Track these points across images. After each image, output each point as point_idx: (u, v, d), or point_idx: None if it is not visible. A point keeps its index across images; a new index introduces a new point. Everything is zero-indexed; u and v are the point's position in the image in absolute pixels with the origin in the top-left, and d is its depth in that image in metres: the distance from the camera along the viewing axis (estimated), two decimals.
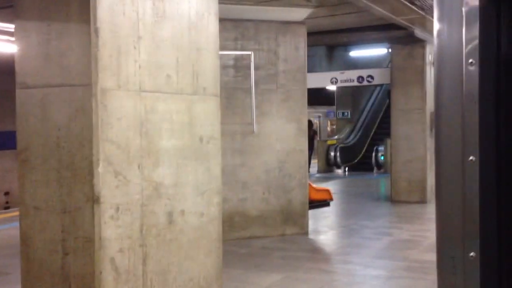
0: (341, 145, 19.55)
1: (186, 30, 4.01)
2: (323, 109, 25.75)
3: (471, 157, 1.06)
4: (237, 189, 7.85)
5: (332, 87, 17.88)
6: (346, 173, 18.93)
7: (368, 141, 20.06)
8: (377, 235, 8.46)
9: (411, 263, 6.62)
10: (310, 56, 9.03)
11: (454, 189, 1.10)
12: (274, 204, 8.06)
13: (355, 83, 13.81)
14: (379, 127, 19.91)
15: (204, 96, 4.20)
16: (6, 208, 12.31)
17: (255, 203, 7.97)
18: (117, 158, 3.39)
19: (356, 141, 20.13)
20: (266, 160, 8.02)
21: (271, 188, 8.04)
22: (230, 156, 7.72)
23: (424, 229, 8.86)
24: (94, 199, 3.25)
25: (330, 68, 18.12)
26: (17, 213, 10.42)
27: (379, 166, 18.35)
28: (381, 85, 18.96)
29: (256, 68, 7.86)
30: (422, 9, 8.72)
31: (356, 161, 19.64)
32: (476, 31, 1.03)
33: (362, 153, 19.88)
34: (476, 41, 1.03)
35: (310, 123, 21.24)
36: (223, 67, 7.25)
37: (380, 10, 8.25)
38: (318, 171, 18.93)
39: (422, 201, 11.18)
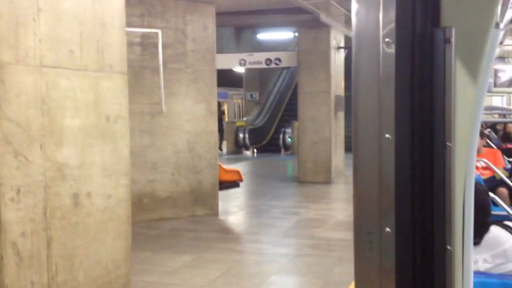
0: (250, 126, 19.77)
1: (89, 3, 3.83)
2: (231, 91, 25.82)
3: (387, 135, 1.09)
4: (145, 170, 7.70)
5: (240, 69, 17.96)
6: (255, 154, 19.20)
7: (276, 123, 20.44)
8: (285, 214, 8.68)
9: (317, 241, 6.86)
10: (218, 37, 8.97)
11: (370, 166, 1.13)
12: (183, 185, 8.00)
13: (263, 66, 13.96)
14: (287, 110, 20.35)
15: (110, 74, 4.05)
16: None
17: (164, 184, 7.86)
18: (16, 137, 3.19)
19: (264, 123, 20.44)
20: (176, 141, 7.92)
21: (181, 169, 7.97)
22: (138, 136, 7.54)
23: (329, 208, 9.21)
24: None
25: (238, 50, 18.17)
26: None
27: (287, 147, 18.80)
28: (288, 68, 19.33)
29: (164, 47, 7.68)
30: None
31: (264, 142, 19.96)
32: (392, 12, 1.05)
33: (270, 135, 20.24)
34: (393, 22, 1.04)
35: (218, 104, 21.27)
36: (129, 45, 7.01)
37: None
38: (227, 153, 19.04)
39: (328, 181, 11.60)
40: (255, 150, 19.52)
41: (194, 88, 8.12)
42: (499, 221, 3.18)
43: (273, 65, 13.96)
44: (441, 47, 1.01)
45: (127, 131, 4.27)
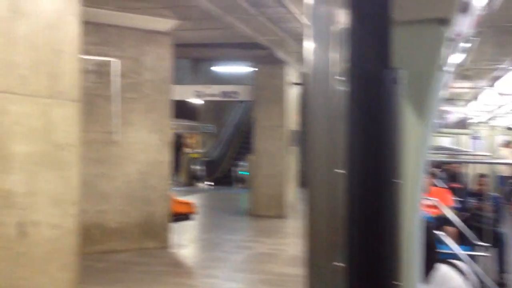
0: (204, 158, 19.67)
1: (43, 29, 3.77)
2: (187, 123, 25.76)
3: (338, 170, 1.10)
4: (95, 200, 7.51)
5: (196, 101, 17.98)
6: (208, 187, 19.07)
7: (230, 155, 20.43)
8: (238, 248, 8.61)
9: (270, 276, 6.82)
10: (175, 69, 8.99)
11: (322, 200, 1.14)
12: (134, 217, 7.83)
13: (219, 98, 14.02)
14: (242, 142, 20.41)
15: (62, 101, 3.97)
16: None
17: (114, 215, 7.68)
18: None
19: (219, 155, 20.40)
20: (128, 170, 7.79)
21: (132, 199, 7.82)
22: (90, 165, 7.37)
23: (282, 242, 9.20)
24: None
25: (195, 82, 18.22)
26: None
27: (239, 180, 18.77)
28: (244, 102, 19.49)
29: (118, 76, 7.63)
30: (285, 31, 9.13)
31: (218, 175, 19.87)
32: (344, 52, 1.08)
33: (224, 167, 20.18)
34: (345, 61, 1.08)
35: (178, 136, 21.17)
36: (85, 73, 6.92)
37: (243, 28, 8.49)
38: (181, 185, 18.84)
39: (280, 215, 11.59)
40: (208, 182, 19.40)
41: (149, 117, 8.06)
42: (447, 259, 3.25)
43: (229, 98, 14.05)
44: (389, 87, 1.04)
45: (78, 160, 4.18)
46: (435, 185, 7.59)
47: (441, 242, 3.95)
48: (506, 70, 9.26)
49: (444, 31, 1.16)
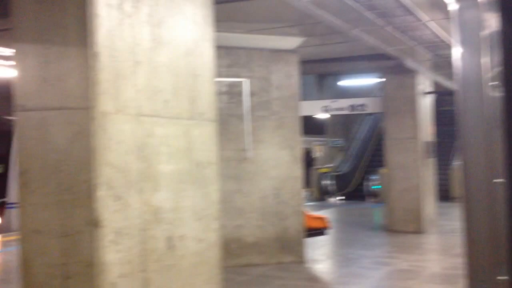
0: (334, 173, 19.54)
1: (182, 56, 4.04)
2: (315, 138, 25.86)
3: (497, 180, 1.06)
4: (232, 215, 7.79)
5: (324, 116, 17.99)
6: (340, 201, 18.88)
7: (361, 169, 20.08)
8: (376, 264, 8.38)
9: None
10: (302, 85, 9.10)
11: (481, 213, 1.09)
12: (270, 231, 7.99)
13: (347, 112, 13.90)
14: (372, 155, 19.98)
15: (201, 121, 4.20)
16: None
17: (251, 230, 7.90)
18: (117, 182, 3.36)
19: (349, 169, 20.15)
20: (261, 186, 7.99)
21: (267, 215, 7.99)
22: (226, 182, 7.68)
23: (422, 259, 8.80)
24: (94, 223, 3.20)
25: (321, 97, 18.27)
26: (13, 237, 10.24)
27: (371, 194, 18.34)
28: (372, 114, 19.12)
29: (249, 95, 7.91)
30: (414, 39, 8.85)
31: (349, 189, 19.62)
32: (497, 56, 1.04)
33: (355, 181, 19.88)
34: (499, 66, 1.03)
35: (307, 151, 21.37)
36: (217, 94, 7.28)
37: (370, 40, 8.38)
38: (312, 200, 18.87)
39: (419, 230, 11.11)
40: (339, 197, 19.21)
41: (278, 134, 8.22)
42: None
43: (357, 111, 13.88)
44: None
45: (217, 177, 4.38)
46: None
47: None
48: None
49: None
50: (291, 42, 8.25)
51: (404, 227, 11.17)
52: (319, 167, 20.32)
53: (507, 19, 0.96)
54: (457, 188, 15.29)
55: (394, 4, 6.68)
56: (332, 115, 18.24)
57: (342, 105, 13.74)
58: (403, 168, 11.35)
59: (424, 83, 11.90)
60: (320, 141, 21.29)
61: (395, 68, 10.90)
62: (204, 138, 4.23)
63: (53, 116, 3.36)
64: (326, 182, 19.10)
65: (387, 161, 11.68)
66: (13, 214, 11.04)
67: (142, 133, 3.60)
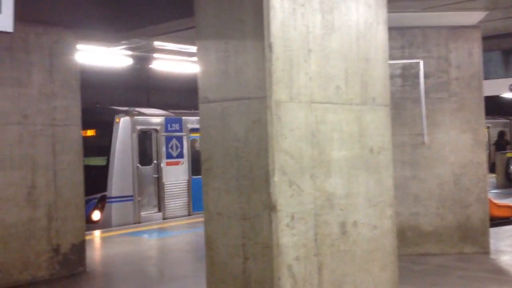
0: None
1: (354, 41, 4.00)
2: (501, 120, 23.76)
3: None
4: (408, 202, 7.54)
5: (509, 95, 16.42)
6: None
7: None
8: None
9: None
10: (484, 63, 8.38)
11: None
12: (450, 220, 7.57)
13: None
14: None
15: (373, 106, 4.13)
16: None
17: (428, 218, 7.57)
18: (291, 168, 3.48)
19: None
20: (439, 172, 7.59)
21: (446, 202, 7.57)
22: (400, 168, 7.45)
23: None
24: (271, 207, 3.36)
25: (507, 75, 16.67)
26: (197, 219, 11.13)
27: None
28: None
29: (425, 77, 7.52)
30: None
31: None
32: None
33: None
34: None
35: (502, 133, 19.80)
36: (390, 77, 7.07)
37: None
38: (497, 187, 17.42)
39: None
40: None
41: (459, 117, 7.70)
42: None
43: None
44: None
45: (391, 163, 4.28)
46: None
47: None
48: None
49: None
50: (472, 17, 7.63)
51: None
52: (506, 151, 18.61)
53: None
54: None
55: None
56: None
57: None
58: None
59: None
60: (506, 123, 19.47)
61: None
62: (377, 123, 4.15)
63: (233, 107, 3.58)
64: None
65: None
66: (114, 209, 11.20)
67: (314, 120, 3.66)
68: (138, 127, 11.81)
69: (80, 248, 7.07)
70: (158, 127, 12.21)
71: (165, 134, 12.25)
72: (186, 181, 12.46)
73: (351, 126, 3.94)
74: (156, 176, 12.02)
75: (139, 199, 11.57)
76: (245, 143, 3.51)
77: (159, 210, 12.05)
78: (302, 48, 3.62)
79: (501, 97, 17.50)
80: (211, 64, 3.72)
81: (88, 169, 8.09)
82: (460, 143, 7.66)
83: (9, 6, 3.75)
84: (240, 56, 3.55)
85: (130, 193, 11.46)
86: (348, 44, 3.94)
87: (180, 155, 12.49)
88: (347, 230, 3.80)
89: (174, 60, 12.59)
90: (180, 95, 17.15)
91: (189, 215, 12.30)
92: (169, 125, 12.37)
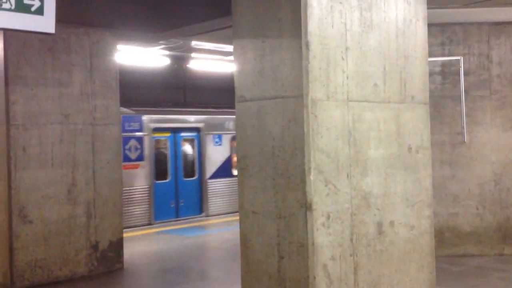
0: None
1: (393, 38, 3.94)
2: None
3: None
4: (447, 202, 7.39)
5: None
6: None
7: None
8: None
9: None
10: None
11: None
12: (489, 221, 7.39)
13: None
14: None
15: (412, 104, 4.07)
16: None
17: (467, 218, 7.41)
18: (327, 166, 3.46)
19: None
20: (479, 172, 7.41)
21: (486, 202, 7.39)
22: (438, 167, 7.31)
23: None
24: (306, 206, 3.35)
25: None
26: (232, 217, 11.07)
27: None
28: None
29: (465, 74, 7.36)
30: None
31: None
32: None
33: None
34: None
35: None
36: (430, 74, 6.94)
37: None
38: None
39: None
40: None
41: (500, 115, 7.51)
42: None
43: None
44: None
45: (429, 162, 4.20)
46: None
47: None
48: None
49: None
50: None
51: None
52: None
53: None
54: None
55: None
56: None
57: None
58: None
59: None
60: None
61: None
62: (415, 121, 4.09)
63: (269, 105, 3.58)
64: None
65: None
66: None
67: (351, 119, 3.63)
68: None
69: (117, 245, 7.21)
70: None
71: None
72: (147, 186, 11.06)
73: (389, 124, 3.89)
74: None
75: None
76: (281, 141, 3.51)
77: None
78: (340, 46, 3.59)
79: None
80: (248, 62, 3.73)
81: None
82: (501, 142, 7.46)
83: (51, 9, 3.86)
84: (277, 54, 3.55)
85: None
86: (387, 42, 3.89)
87: (140, 158, 11.02)
88: (383, 230, 3.76)
89: (210, 59, 12.68)
90: (217, 94, 17.30)
91: (149, 224, 11.03)
92: (126, 124, 10.70)
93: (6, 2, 3.74)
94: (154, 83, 16.11)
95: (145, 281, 7.03)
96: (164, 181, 11.61)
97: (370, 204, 3.70)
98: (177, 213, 11.84)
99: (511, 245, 7.40)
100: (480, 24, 7.52)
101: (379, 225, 3.74)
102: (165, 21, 7.39)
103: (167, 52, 11.75)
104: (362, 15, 3.73)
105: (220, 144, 12.61)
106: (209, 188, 12.20)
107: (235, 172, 12.34)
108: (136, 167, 10.96)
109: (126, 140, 10.62)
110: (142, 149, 11.13)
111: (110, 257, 7.13)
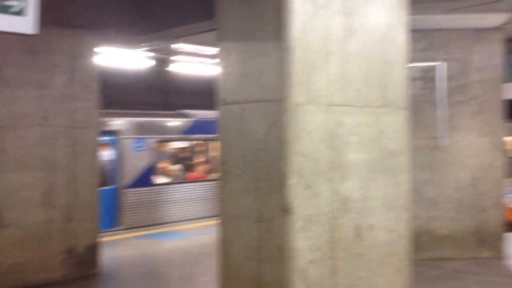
0: None
1: (374, 43, 3.98)
2: None
3: None
4: (424, 206, 7.48)
5: None
6: None
7: None
8: None
9: None
10: (506, 66, 8.28)
11: None
12: (466, 224, 7.51)
13: None
14: None
15: (392, 109, 4.11)
16: None
17: (444, 222, 7.51)
18: (307, 170, 3.48)
19: None
20: (457, 176, 7.53)
21: (463, 206, 7.51)
22: (417, 171, 7.40)
23: None
24: (285, 210, 3.37)
25: None
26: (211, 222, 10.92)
27: None
28: None
29: (444, 80, 7.47)
30: None
31: None
32: None
33: None
34: None
35: None
36: (411, 80, 7.02)
37: None
38: None
39: None
40: None
41: (478, 120, 7.64)
42: None
43: None
44: None
45: (409, 166, 4.25)
46: None
47: None
48: None
49: None
50: (496, 19, 7.54)
51: None
52: None
53: None
54: None
55: None
56: None
57: None
58: None
59: None
60: None
61: None
62: (396, 126, 4.13)
63: (252, 109, 3.60)
64: None
65: None
66: None
67: (332, 123, 3.66)
68: None
69: (94, 249, 7.12)
70: None
71: None
72: None
73: (370, 129, 3.93)
74: None
75: None
76: (263, 145, 3.52)
77: None
78: (322, 51, 3.62)
79: None
80: (232, 66, 3.74)
81: None
82: (480, 147, 7.59)
83: (32, 9, 3.82)
84: (261, 58, 3.57)
85: None
86: (369, 47, 3.93)
87: None
88: (362, 234, 3.79)
89: (193, 62, 12.62)
90: (198, 96, 17.21)
91: None
92: None
93: None
94: (133, 85, 15.84)
95: (120, 286, 6.96)
96: (110, 187, 10.70)
97: (350, 208, 3.73)
98: None
99: (488, 249, 7.52)
100: (462, 30, 7.64)
101: (358, 228, 3.77)
102: (148, 24, 7.35)
103: (149, 54, 11.69)
104: (345, 21, 3.76)
105: (142, 149, 11.24)
106: (126, 199, 10.87)
107: (159, 180, 11.47)
108: None
109: None
110: None
111: (86, 262, 7.03)
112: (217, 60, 3.92)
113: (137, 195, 11.07)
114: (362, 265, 3.76)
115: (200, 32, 7.90)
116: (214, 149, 12.20)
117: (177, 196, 11.74)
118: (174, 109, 13.06)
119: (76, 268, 6.92)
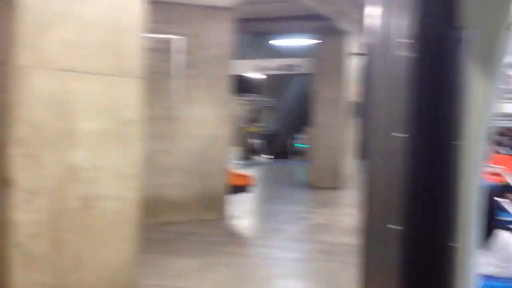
0: (264, 132, 19.76)
1: (108, 9, 3.89)
2: (248, 98, 25.85)
3: (397, 134, 1.11)
4: (156, 174, 7.75)
5: (258, 75, 18.01)
6: (267, 160, 19.21)
7: (289, 129, 20.42)
8: (295, 219, 8.70)
9: (326, 246, 6.87)
10: (237, 44, 9.02)
11: (380, 164, 1.15)
12: (193, 190, 8.05)
13: (279, 71, 13.99)
14: (301, 116, 20.30)
15: (125, 78, 4.09)
16: None
17: (174, 188, 7.93)
18: (32, 140, 3.27)
19: (278, 129, 20.41)
20: (188, 146, 7.98)
21: (192, 173, 8.02)
22: (150, 141, 7.59)
23: (339, 213, 9.22)
24: (5, 182, 3.11)
25: (256, 56, 18.21)
26: None
27: (297, 153, 18.79)
28: (304, 75, 19.32)
29: (180, 53, 7.77)
30: (348, 0, 8.94)
31: (277, 148, 19.95)
32: (407, 15, 1.07)
33: (283, 140, 20.22)
34: (408, 25, 1.06)
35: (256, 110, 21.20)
36: (147, 51, 7.07)
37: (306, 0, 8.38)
38: (241, 158, 19.06)
39: (338, 187, 11.59)
40: (267, 156, 19.53)
41: (209, 93, 8.19)
42: (509, 226, 3.23)
43: (288, 71, 14.00)
44: (454, 48, 1.03)
45: (141, 135, 4.32)
46: (500, 153, 7.31)
47: (504, 209, 3.88)
48: None
49: None
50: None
51: (324, 184, 11.58)
52: (249, 126, 20.45)
53: None
54: None
55: None
56: (267, 75, 18.28)
57: (274, 65, 13.80)
58: (326, 127, 11.78)
59: (354, 44, 12.14)
60: (253, 100, 21.33)
61: (327, 29, 11.12)
62: (129, 95, 4.13)
63: None
64: (255, 141, 19.31)
65: (316, 121, 12.03)
66: None
67: (62, 89, 3.49)
68: None
69: None
70: None
71: None
72: None
73: (101, 97, 3.85)
74: None
75: None
76: None
77: None
78: (52, 12, 3.39)
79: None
80: None
81: None
82: (209, 118, 8.16)
83: None
84: None
85: None
86: (102, 12, 3.82)
87: None
88: (90, 204, 3.74)
89: None
90: None
91: None
92: None
93: None
94: None
95: None
96: None
97: (78, 178, 3.64)
98: None
99: (211, 211, 8.22)
100: (196, 6, 7.99)
101: (86, 199, 3.71)
102: None
103: None
104: None
105: None
106: None
107: None
108: None
109: None
110: None
111: None
112: None
113: None
114: (89, 236, 3.73)
115: None
116: None
117: None
118: None
119: None
